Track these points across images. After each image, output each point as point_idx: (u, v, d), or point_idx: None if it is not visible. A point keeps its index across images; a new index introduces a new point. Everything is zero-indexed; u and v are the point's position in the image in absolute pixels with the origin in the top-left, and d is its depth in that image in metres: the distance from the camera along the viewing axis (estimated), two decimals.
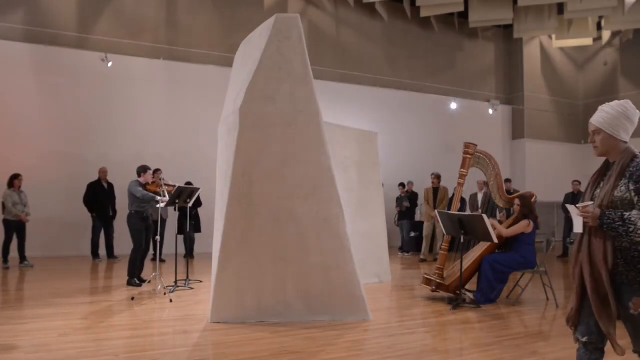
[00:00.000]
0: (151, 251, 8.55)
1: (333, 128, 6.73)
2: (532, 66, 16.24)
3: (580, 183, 11.53)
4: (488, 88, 16.13)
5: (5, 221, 8.81)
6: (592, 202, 2.53)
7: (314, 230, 4.96)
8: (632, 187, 2.39)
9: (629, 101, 2.57)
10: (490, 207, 10.89)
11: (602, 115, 2.57)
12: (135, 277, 6.95)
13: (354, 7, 13.88)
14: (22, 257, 8.83)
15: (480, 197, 10.99)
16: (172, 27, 12.00)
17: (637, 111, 2.55)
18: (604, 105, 2.60)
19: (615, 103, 2.57)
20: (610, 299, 2.42)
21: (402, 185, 11.95)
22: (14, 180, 8.91)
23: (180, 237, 8.34)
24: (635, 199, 2.37)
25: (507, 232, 6.14)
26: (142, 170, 7.08)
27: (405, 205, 11.54)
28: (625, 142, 2.56)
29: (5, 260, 8.73)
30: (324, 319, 5.00)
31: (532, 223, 6.11)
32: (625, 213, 2.36)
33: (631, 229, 2.33)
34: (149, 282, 7.01)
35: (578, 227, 2.53)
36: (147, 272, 7.62)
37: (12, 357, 3.81)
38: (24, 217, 8.86)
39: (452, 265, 6.62)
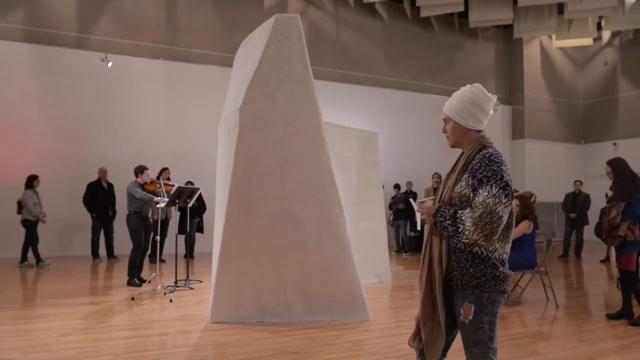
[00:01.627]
0: (149, 251, 8.55)
1: (333, 128, 6.73)
2: (532, 66, 16.25)
3: (582, 183, 11.52)
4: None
5: (26, 221, 8.89)
6: (432, 198, 2.33)
7: (314, 231, 4.96)
8: (470, 182, 2.15)
9: (478, 85, 2.34)
10: None
11: (451, 102, 2.38)
12: (135, 277, 6.95)
13: (354, 7, 13.88)
14: (39, 257, 8.92)
15: None
16: (172, 27, 12.00)
17: (489, 97, 2.30)
18: (456, 91, 2.38)
19: (464, 88, 2.35)
20: (438, 304, 2.21)
21: (397, 186, 11.92)
22: (33, 181, 9.01)
23: (181, 237, 8.34)
24: (471, 195, 2.13)
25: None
26: (139, 170, 7.09)
27: (400, 207, 11.53)
28: (478, 132, 2.32)
29: (25, 259, 8.85)
30: (324, 319, 5.00)
31: (532, 224, 6.11)
32: (458, 211, 2.13)
33: (460, 229, 2.10)
34: (149, 282, 7.01)
35: (418, 225, 2.35)
36: (147, 272, 7.62)
37: (12, 357, 3.81)
38: (42, 218, 8.97)
39: None
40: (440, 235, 2.22)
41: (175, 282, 6.83)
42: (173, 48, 11.86)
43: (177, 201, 6.67)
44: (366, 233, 7.38)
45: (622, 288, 5.39)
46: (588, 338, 4.65)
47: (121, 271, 8.00)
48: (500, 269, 2.18)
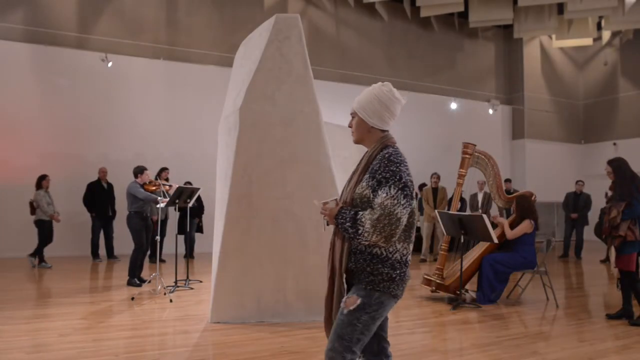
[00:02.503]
0: (149, 251, 8.55)
1: (333, 128, 6.73)
2: (532, 66, 16.24)
3: (583, 183, 11.51)
4: (488, 88, 16.13)
5: (40, 221, 8.89)
6: (334, 199, 2.28)
7: (314, 230, 4.96)
8: (369, 183, 2.12)
9: (388, 84, 2.29)
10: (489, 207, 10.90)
11: (360, 97, 2.34)
12: (135, 277, 6.95)
13: (354, 7, 13.88)
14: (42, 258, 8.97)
15: (480, 197, 10.99)
16: (172, 27, 12.00)
17: (396, 98, 2.25)
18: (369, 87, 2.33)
19: (375, 85, 2.31)
20: (334, 308, 2.21)
21: None
22: (42, 181, 9.02)
23: (181, 237, 8.34)
24: (371, 196, 2.10)
25: (511, 233, 6.14)
26: (139, 171, 7.10)
27: None
28: (383, 131, 2.29)
29: (43, 259, 8.86)
30: None
31: (533, 223, 6.12)
32: (359, 212, 2.08)
33: (359, 231, 2.05)
34: (149, 282, 7.02)
35: (323, 227, 2.32)
36: (147, 272, 7.62)
37: (12, 357, 3.81)
38: (57, 217, 8.98)
39: (451, 265, 6.62)
40: (343, 237, 2.18)
41: (175, 282, 6.83)
42: (173, 48, 11.85)
43: (177, 201, 6.67)
44: None
45: (622, 288, 5.39)
46: (588, 338, 4.65)
47: (121, 271, 8.00)
48: (399, 271, 2.15)
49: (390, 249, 2.15)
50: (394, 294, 2.16)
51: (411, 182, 2.15)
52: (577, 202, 11.18)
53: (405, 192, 2.09)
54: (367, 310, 2.13)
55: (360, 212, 2.08)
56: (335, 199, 2.27)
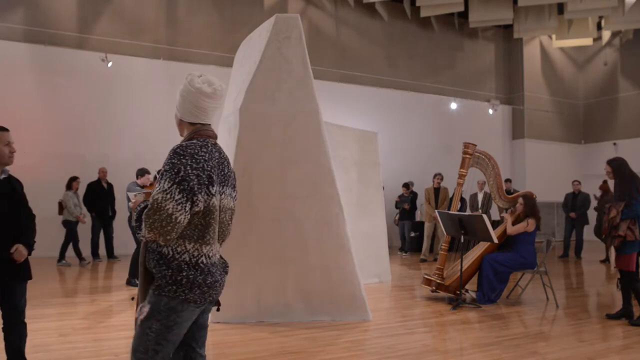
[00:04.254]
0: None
1: (333, 128, 6.73)
2: (532, 66, 16.24)
3: (580, 183, 11.53)
4: (488, 88, 16.13)
5: (67, 222, 9.12)
6: (143, 192, 2.20)
7: (314, 230, 4.96)
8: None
9: (192, 75, 2.15)
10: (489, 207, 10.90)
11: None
12: (135, 277, 6.96)
13: (354, 7, 13.88)
14: (80, 256, 9.19)
15: (480, 197, 10.99)
16: (172, 27, 11.99)
17: (195, 88, 2.10)
18: None
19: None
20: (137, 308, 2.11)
21: (405, 185, 11.87)
22: (72, 182, 9.24)
23: None
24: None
25: (512, 229, 6.15)
26: (141, 173, 7.17)
27: (405, 207, 11.52)
28: (193, 124, 2.14)
29: (63, 257, 9.09)
30: (324, 319, 5.00)
31: (534, 222, 6.12)
32: (147, 207, 1.97)
33: (141, 226, 1.96)
34: None
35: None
36: None
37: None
38: (82, 218, 9.17)
39: (452, 265, 6.62)
40: None
41: None
42: (173, 48, 11.85)
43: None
44: (366, 233, 7.38)
45: (622, 288, 5.39)
46: (588, 338, 4.65)
47: (121, 271, 8.00)
48: (186, 273, 1.97)
49: (179, 249, 1.99)
50: (186, 299, 1.97)
51: (201, 176, 1.97)
52: (575, 202, 11.19)
53: (182, 187, 1.92)
54: (157, 318, 1.97)
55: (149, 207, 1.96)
56: (144, 192, 2.22)
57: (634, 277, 5.16)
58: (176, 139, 2.22)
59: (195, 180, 1.96)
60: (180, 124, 2.19)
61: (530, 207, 6.20)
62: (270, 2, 12.93)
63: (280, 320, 4.92)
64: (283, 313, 4.96)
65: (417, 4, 13.46)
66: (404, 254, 11.56)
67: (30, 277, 3.22)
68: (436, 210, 6.95)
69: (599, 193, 10.55)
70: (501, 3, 13.65)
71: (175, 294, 1.97)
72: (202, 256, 2.03)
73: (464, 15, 14.54)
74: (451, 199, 8.33)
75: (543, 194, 12.52)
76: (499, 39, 16.34)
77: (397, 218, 11.90)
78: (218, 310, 2.38)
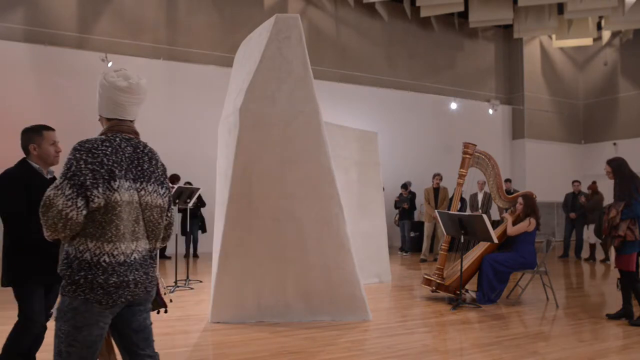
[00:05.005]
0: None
1: (333, 128, 6.73)
2: (532, 66, 16.24)
3: (580, 183, 11.53)
4: (488, 88, 16.12)
5: None
6: None
7: (314, 230, 4.96)
8: None
9: (107, 70, 2.18)
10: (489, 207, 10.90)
11: None
12: None
13: (354, 7, 13.88)
14: None
15: (480, 197, 11.00)
16: (172, 27, 11.99)
17: (108, 82, 2.10)
18: None
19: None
20: None
21: (404, 186, 11.89)
22: None
23: (181, 237, 8.35)
24: None
25: (513, 229, 6.15)
26: None
27: (405, 207, 11.53)
28: (110, 120, 2.13)
29: None
30: (324, 319, 5.00)
31: (534, 221, 6.12)
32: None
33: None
34: None
35: None
36: None
37: None
38: None
39: (452, 265, 6.62)
40: None
41: (175, 282, 6.83)
42: (173, 48, 11.85)
43: (177, 201, 6.67)
44: (366, 233, 7.38)
45: (622, 288, 5.39)
46: (588, 338, 4.65)
47: None
48: (84, 273, 1.92)
49: (80, 248, 1.94)
50: (86, 299, 1.92)
51: (97, 171, 1.94)
52: (574, 202, 11.20)
53: (72, 182, 1.88)
54: (64, 319, 1.94)
55: None
56: None
57: (634, 277, 5.16)
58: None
59: (90, 175, 1.91)
60: (100, 119, 2.18)
61: (531, 206, 6.21)
62: (270, 2, 12.93)
63: (280, 320, 4.92)
64: (283, 313, 4.96)
65: (417, 4, 13.46)
66: (404, 253, 11.56)
67: None
68: (436, 211, 6.96)
69: (583, 196, 10.67)
70: (501, 3, 13.65)
71: (75, 293, 1.93)
72: (104, 255, 1.95)
73: (464, 15, 14.54)
74: (451, 199, 8.32)
75: (543, 194, 12.52)
76: (499, 39, 16.33)
77: (397, 218, 11.93)
78: (158, 313, 2.38)
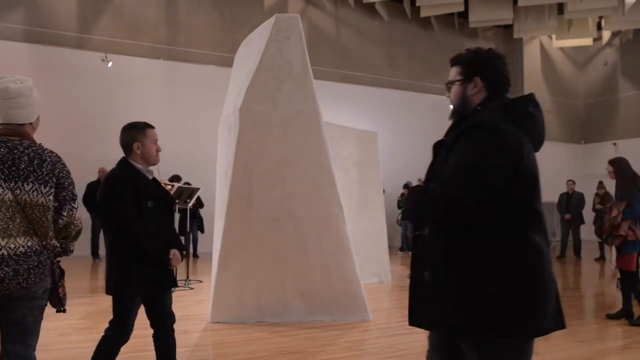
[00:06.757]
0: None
1: (333, 128, 6.73)
2: (532, 66, 16.24)
3: (574, 182, 11.49)
4: None
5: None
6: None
7: (314, 230, 4.96)
8: None
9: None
10: None
11: None
12: None
13: (354, 7, 13.88)
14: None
15: None
16: (172, 27, 11.99)
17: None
18: None
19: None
20: None
21: (406, 186, 11.91)
22: None
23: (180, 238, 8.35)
24: None
25: None
26: None
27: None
28: (22, 125, 2.31)
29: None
30: (324, 319, 5.00)
31: None
32: None
33: None
34: None
35: None
36: None
37: None
38: None
39: None
40: None
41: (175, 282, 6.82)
42: (173, 48, 11.85)
43: (177, 201, 6.66)
44: (366, 233, 7.37)
45: (622, 288, 5.38)
46: (588, 338, 4.65)
47: None
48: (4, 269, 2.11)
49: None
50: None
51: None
52: (569, 202, 11.17)
53: None
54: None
55: None
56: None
57: (634, 277, 5.15)
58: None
59: None
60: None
61: None
62: (270, 2, 12.93)
63: (280, 320, 4.92)
64: (283, 313, 4.95)
65: (417, 4, 13.47)
66: (400, 252, 11.62)
67: (176, 284, 3.11)
68: None
69: (602, 191, 10.36)
70: (501, 3, 13.65)
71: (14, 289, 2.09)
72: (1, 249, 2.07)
73: (464, 15, 14.55)
74: None
75: (543, 194, 12.42)
76: (499, 39, 16.34)
77: (399, 218, 11.96)
78: (57, 312, 2.52)
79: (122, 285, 2.85)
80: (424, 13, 13.80)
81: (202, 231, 10.33)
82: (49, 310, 5.27)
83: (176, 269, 3.20)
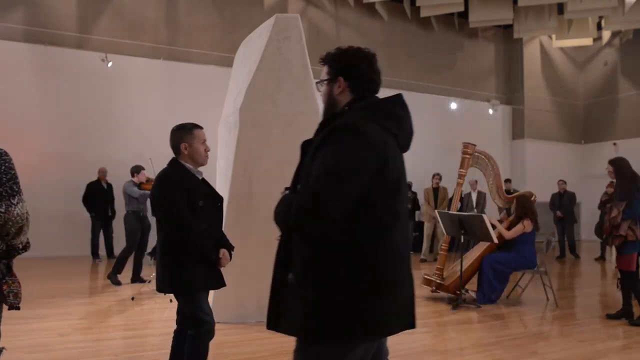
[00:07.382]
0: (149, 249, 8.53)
1: None
2: (532, 66, 16.24)
3: (565, 182, 11.49)
4: (488, 88, 16.12)
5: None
6: None
7: None
8: None
9: None
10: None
11: None
12: (118, 272, 6.99)
13: (354, 7, 13.88)
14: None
15: (474, 196, 10.98)
16: (172, 27, 11.99)
17: None
18: None
19: None
20: None
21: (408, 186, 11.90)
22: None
23: None
24: None
25: (509, 234, 6.12)
26: (136, 170, 7.16)
27: (408, 206, 11.55)
28: None
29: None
30: None
31: (531, 222, 6.10)
32: None
33: None
34: (149, 282, 7.01)
35: None
36: (147, 271, 7.61)
37: (12, 357, 3.81)
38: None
39: (452, 265, 6.62)
40: None
41: None
42: (173, 48, 11.85)
43: None
44: None
45: (622, 288, 5.39)
46: (588, 338, 4.65)
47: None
48: None
49: None
50: None
51: None
52: (561, 202, 11.18)
53: None
54: None
55: None
56: None
57: (634, 277, 5.16)
58: None
59: None
60: None
61: (524, 207, 6.16)
62: (270, 2, 12.93)
63: None
64: None
65: (417, 4, 13.47)
66: None
67: (225, 284, 3.15)
68: (436, 211, 6.95)
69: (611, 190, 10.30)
70: (501, 3, 13.65)
71: None
72: None
73: (464, 15, 14.54)
74: (451, 199, 8.32)
75: (543, 194, 12.48)
76: (499, 39, 16.33)
77: None
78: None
79: (189, 284, 2.89)
80: (424, 13, 13.79)
81: None
82: (49, 310, 5.28)
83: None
